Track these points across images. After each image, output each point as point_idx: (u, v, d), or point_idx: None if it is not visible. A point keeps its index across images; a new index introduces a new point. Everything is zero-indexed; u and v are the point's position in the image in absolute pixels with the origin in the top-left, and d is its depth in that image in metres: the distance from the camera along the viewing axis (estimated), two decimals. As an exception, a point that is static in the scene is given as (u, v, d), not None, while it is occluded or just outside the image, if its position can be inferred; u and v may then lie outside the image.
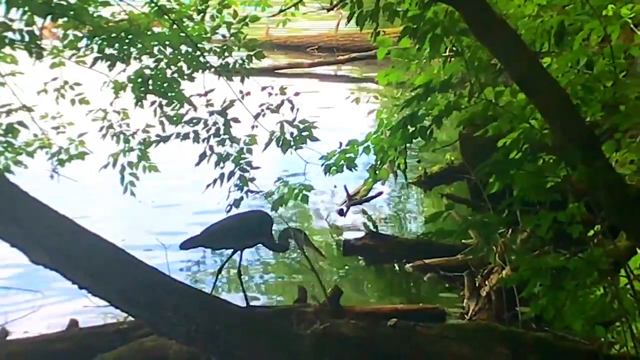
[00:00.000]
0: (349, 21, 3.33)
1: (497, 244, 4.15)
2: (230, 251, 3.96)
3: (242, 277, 3.97)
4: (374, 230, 6.06)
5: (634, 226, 2.38)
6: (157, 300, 3.05)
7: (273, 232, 3.91)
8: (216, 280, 3.98)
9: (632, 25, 2.94)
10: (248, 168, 4.06)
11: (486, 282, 4.65)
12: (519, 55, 2.55)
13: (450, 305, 4.85)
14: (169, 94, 4.02)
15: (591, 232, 2.83)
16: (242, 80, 4.10)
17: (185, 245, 3.84)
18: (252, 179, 4.07)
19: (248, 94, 4.01)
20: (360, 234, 6.02)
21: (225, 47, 4.12)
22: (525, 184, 2.64)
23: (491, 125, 3.15)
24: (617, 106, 2.72)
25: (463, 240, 5.40)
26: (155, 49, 3.96)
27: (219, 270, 4.01)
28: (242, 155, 4.07)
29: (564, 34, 2.78)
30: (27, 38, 3.60)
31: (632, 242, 2.91)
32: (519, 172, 2.68)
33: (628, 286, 2.57)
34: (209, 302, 3.20)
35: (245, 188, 4.05)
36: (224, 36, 4.16)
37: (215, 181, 4.04)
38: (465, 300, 4.76)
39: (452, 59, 3.44)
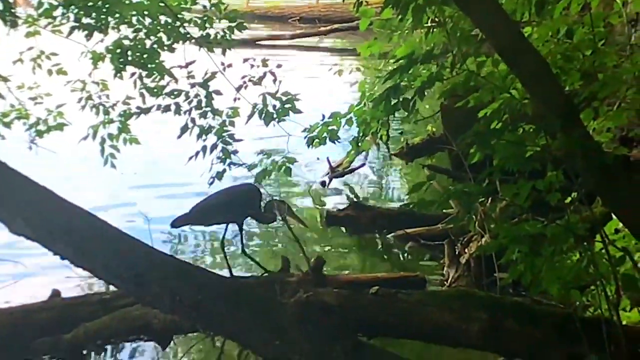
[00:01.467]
0: (329, -10, 3.29)
1: (477, 213, 4.22)
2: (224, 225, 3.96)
3: (225, 248, 3.99)
4: (356, 201, 6.11)
5: (609, 192, 2.44)
6: (141, 272, 3.06)
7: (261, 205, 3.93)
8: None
9: (611, -7, 2.95)
10: (230, 140, 4.06)
11: (466, 250, 4.75)
12: (501, 25, 2.56)
13: (431, 273, 4.94)
14: (149, 66, 3.97)
15: (568, 200, 2.89)
16: (223, 52, 4.06)
17: (176, 223, 3.84)
18: (235, 152, 4.07)
19: (230, 65, 3.98)
20: (343, 205, 6.08)
21: (206, 17, 4.06)
22: (506, 153, 2.67)
23: (473, 96, 3.17)
24: (595, 75, 2.76)
25: (444, 210, 5.48)
26: (134, 19, 3.88)
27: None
28: (225, 128, 4.05)
29: (545, 2, 2.79)
30: (0, 6, 3.50)
31: (607, 208, 2.98)
32: (499, 142, 2.72)
33: (603, 251, 2.64)
34: (192, 273, 3.21)
35: (228, 160, 4.05)
36: (204, 7, 4.10)
37: (197, 153, 4.03)
38: (445, 268, 4.86)
39: (434, 29, 3.44)
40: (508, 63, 2.63)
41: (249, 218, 3.96)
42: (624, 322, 2.76)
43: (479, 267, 4.42)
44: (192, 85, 4.04)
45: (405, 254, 5.46)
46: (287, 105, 4.03)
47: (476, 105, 3.16)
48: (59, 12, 3.85)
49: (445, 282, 4.73)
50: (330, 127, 4.01)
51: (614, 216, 3.03)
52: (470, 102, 3.22)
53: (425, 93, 3.19)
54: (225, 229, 3.91)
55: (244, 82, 4.00)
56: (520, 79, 2.60)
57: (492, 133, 2.81)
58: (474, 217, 4.09)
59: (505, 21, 2.60)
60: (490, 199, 4.09)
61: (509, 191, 2.75)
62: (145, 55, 3.95)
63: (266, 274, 3.93)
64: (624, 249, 2.64)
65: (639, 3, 3.15)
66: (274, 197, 4.15)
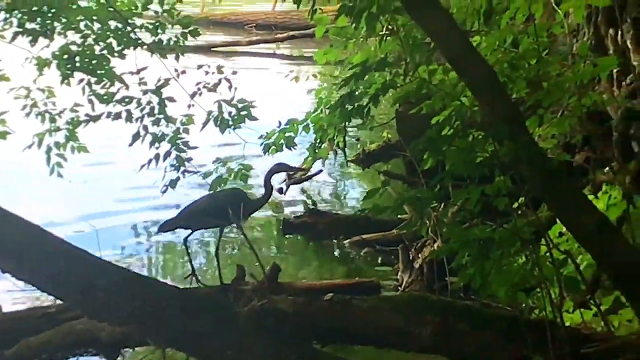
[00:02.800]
0: (284, -1, 3.30)
1: (429, 218, 4.30)
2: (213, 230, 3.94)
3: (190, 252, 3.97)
4: (313, 207, 6.13)
5: (553, 197, 2.52)
6: (89, 283, 2.98)
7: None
8: (218, 262, 3.90)
9: (553, 4, 3.07)
10: (185, 148, 4.00)
11: (419, 255, 4.83)
12: (451, 35, 2.62)
13: (386, 279, 5.02)
14: (98, 72, 3.87)
15: (515, 204, 2.98)
16: (176, 58, 4.01)
17: (164, 228, 3.80)
18: (189, 159, 4.02)
19: (183, 72, 3.94)
20: (300, 211, 6.08)
21: (158, 23, 4.00)
22: (457, 159, 2.73)
23: (425, 103, 3.23)
24: (540, 83, 2.85)
25: (399, 215, 5.55)
26: (82, 24, 3.79)
27: (216, 253, 3.95)
28: (179, 135, 4.00)
29: (492, 13, 2.87)
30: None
31: (551, 213, 3.08)
32: (450, 148, 2.78)
33: (547, 254, 2.72)
34: (142, 283, 3.15)
35: (182, 168, 3.99)
36: (156, 12, 4.04)
37: (150, 161, 3.96)
38: (399, 273, 4.93)
39: (388, 38, 3.49)
40: (458, 71, 2.69)
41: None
42: (567, 324, 2.85)
43: (432, 271, 4.51)
44: (144, 92, 3.96)
45: (362, 260, 5.51)
46: (243, 113, 4.02)
47: (429, 112, 3.22)
48: (0, 16, 3.71)
49: (399, 287, 4.79)
50: (287, 134, 4.02)
51: (557, 220, 3.13)
52: (423, 109, 3.28)
53: (380, 100, 3.24)
54: (220, 235, 3.88)
55: (199, 89, 3.96)
56: (470, 86, 2.66)
57: (443, 139, 2.87)
58: (427, 222, 4.16)
59: (455, 30, 2.66)
60: (442, 204, 4.17)
61: (460, 196, 2.81)
62: (94, 61, 3.85)
63: (221, 284, 3.90)
64: (567, 252, 2.73)
65: (579, 14, 3.29)
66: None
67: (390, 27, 3.39)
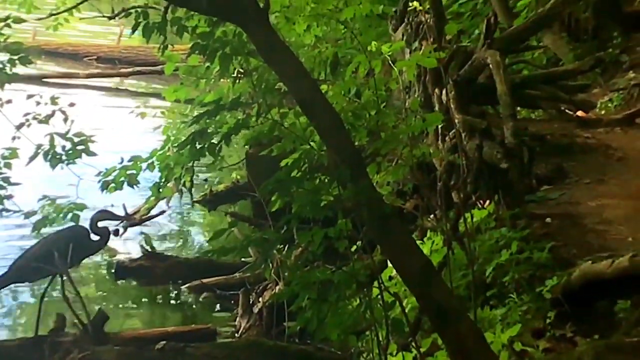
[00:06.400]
0: (133, 32, 3.22)
1: (273, 261, 4.31)
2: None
3: None
4: (151, 250, 5.84)
5: (386, 240, 2.67)
6: None
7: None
8: (39, 311, 3.61)
9: (390, 62, 3.36)
10: (4, 184, 3.62)
11: (260, 299, 4.79)
12: (301, 80, 2.72)
13: (224, 324, 4.89)
14: None
15: (354, 247, 3.11)
16: (1, 86, 3.66)
17: None
18: (9, 197, 3.68)
19: (9, 101, 3.62)
20: (137, 255, 5.75)
21: (-21, 48, 3.66)
22: (304, 201, 2.80)
23: (276, 145, 3.29)
24: (378, 133, 3.07)
25: (243, 259, 5.49)
26: None
27: (41, 300, 3.66)
28: (-2, 170, 3.63)
29: (338, 64, 3.06)
30: None
31: (384, 257, 3.26)
32: (298, 190, 2.83)
33: (379, 297, 2.85)
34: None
35: (0, 207, 3.60)
36: (-21, 37, 3.69)
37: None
38: (237, 319, 4.83)
39: (241, 79, 3.54)
40: (307, 115, 2.79)
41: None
42: (390, 366, 2.95)
43: (271, 316, 4.49)
44: (-41, 121, 3.54)
45: (200, 306, 5.32)
46: (79, 147, 3.75)
47: (279, 154, 3.29)
48: None
49: (236, 333, 4.69)
50: (129, 172, 3.81)
51: (388, 264, 3.31)
52: (273, 150, 3.33)
53: (231, 139, 3.23)
54: (49, 283, 3.47)
55: (27, 120, 3.64)
56: (318, 130, 2.77)
57: (292, 181, 2.93)
58: (270, 264, 4.16)
59: (306, 77, 2.77)
60: (287, 246, 4.23)
61: (304, 238, 2.86)
62: None
63: (36, 335, 3.52)
64: (395, 295, 2.86)
65: (411, 73, 3.65)
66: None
67: (242, 69, 3.44)
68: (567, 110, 5.52)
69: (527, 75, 5.68)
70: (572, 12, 6.73)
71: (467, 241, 3.19)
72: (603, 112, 5.86)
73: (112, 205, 6.51)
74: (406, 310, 2.91)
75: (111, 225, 6.16)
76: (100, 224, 4.24)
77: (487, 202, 3.84)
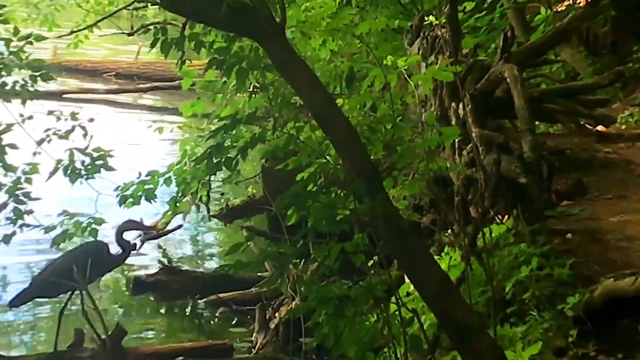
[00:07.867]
0: (152, 47, 3.25)
1: (289, 275, 4.28)
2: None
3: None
4: (168, 264, 5.84)
5: (403, 255, 2.63)
6: None
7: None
8: (59, 326, 3.63)
9: (406, 76, 3.35)
10: (25, 200, 3.66)
11: (276, 314, 4.74)
12: (317, 94, 2.72)
13: (240, 340, 4.84)
14: None
15: (371, 262, 3.07)
16: (23, 103, 3.72)
17: (16, 302, 3.36)
18: (30, 212, 3.70)
19: (30, 117, 3.67)
20: (154, 270, 5.76)
21: (2, 65, 3.71)
22: (320, 215, 2.78)
23: (292, 159, 3.29)
24: (395, 147, 3.05)
25: (259, 273, 5.46)
26: None
27: (60, 315, 3.69)
28: (19, 185, 3.66)
29: (353, 78, 3.05)
30: None
31: (400, 272, 3.21)
32: (314, 204, 2.82)
33: (397, 313, 2.81)
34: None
35: (20, 222, 3.63)
36: (1, 53, 3.76)
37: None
38: (254, 334, 4.78)
39: (257, 93, 3.55)
40: (323, 129, 2.79)
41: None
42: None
43: (287, 331, 4.43)
44: (-21, 138, 3.60)
45: (216, 321, 5.29)
46: (98, 162, 3.79)
47: (295, 168, 3.28)
48: None
49: (253, 349, 4.64)
50: (146, 186, 3.84)
51: (405, 279, 3.27)
52: (289, 164, 3.33)
53: (248, 153, 3.24)
54: (68, 298, 3.50)
55: (47, 136, 3.68)
56: (334, 144, 2.76)
57: (308, 195, 2.91)
58: (286, 279, 4.13)
59: (321, 91, 2.78)
60: (303, 260, 4.20)
61: (321, 252, 2.84)
62: None
63: (54, 351, 3.54)
64: (413, 311, 2.82)
65: (427, 87, 3.63)
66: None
67: (259, 83, 3.46)
68: (586, 125, 5.45)
69: (545, 89, 5.63)
70: (590, 27, 6.68)
71: (486, 257, 3.14)
72: (624, 126, 5.78)
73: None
74: (424, 327, 2.87)
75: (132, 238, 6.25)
76: (126, 235, 4.25)
77: (506, 217, 3.79)
